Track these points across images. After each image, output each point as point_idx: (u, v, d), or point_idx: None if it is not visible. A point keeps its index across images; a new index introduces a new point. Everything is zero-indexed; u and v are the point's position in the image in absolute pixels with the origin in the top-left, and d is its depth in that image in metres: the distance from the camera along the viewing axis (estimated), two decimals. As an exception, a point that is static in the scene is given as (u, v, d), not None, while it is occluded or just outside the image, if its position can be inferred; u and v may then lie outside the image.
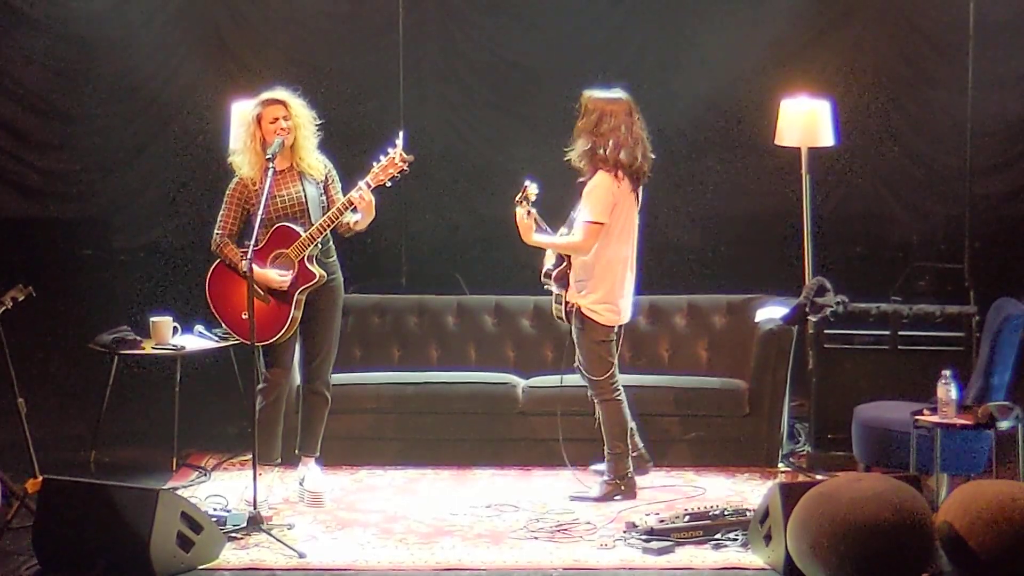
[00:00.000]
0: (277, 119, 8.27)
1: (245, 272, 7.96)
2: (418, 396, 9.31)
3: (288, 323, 8.33)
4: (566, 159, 8.44)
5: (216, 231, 8.37)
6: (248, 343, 8.19)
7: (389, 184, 8.34)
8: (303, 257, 8.31)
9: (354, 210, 8.34)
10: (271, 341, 8.34)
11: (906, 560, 6.95)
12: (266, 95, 8.35)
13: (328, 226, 8.32)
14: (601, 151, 8.35)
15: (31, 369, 8.81)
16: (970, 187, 11.38)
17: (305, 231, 8.29)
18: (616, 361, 8.56)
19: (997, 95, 11.47)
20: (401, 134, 8.40)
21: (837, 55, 11.71)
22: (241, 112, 8.58)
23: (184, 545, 7.32)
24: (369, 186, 8.29)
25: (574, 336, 8.56)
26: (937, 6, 11.64)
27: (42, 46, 11.82)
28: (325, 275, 8.38)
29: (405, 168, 8.33)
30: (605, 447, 8.57)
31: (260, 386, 8.38)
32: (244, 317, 8.07)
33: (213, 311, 8.48)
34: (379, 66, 11.65)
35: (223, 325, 8.57)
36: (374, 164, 8.35)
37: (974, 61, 11.19)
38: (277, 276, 8.28)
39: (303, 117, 8.34)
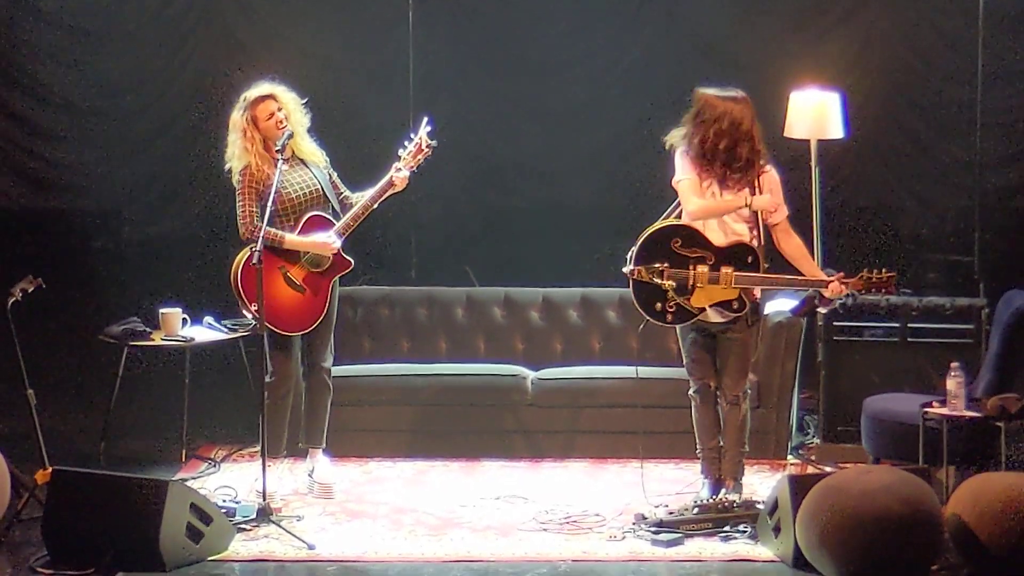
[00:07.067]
0: (272, 114, 8.21)
1: (255, 264, 7.82)
2: (427, 388, 9.32)
3: (325, 312, 8.31)
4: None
5: (242, 220, 8.17)
6: (284, 333, 8.24)
7: (416, 170, 8.35)
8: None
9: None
10: (308, 330, 8.33)
11: (915, 553, 6.96)
12: (251, 95, 8.24)
13: (367, 211, 8.29)
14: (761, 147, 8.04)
15: (41, 360, 8.82)
16: (980, 179, 11.37)
17: (336, 219, 8.30)
18: None
19: (1007, 87, 11.46)
20: (426, 120, 8.40)
21: (847, 47, 11.67)
22: (231, 121, 8.31)
23: (193, 536, 7.33)
24: (400, 170, 8.27)
25: (737, 335, 8.05)
26: (947, -2, 11.63)
27: (53, 39, 11.83)
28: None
29: (429, 154, 8.32)
30: (732, 451, 8.22)
31: (269, 380, 8.38)
32: (255, 310, 8.03)
33: (245, 301, 8.21)
34: (389, 59, 11.64)
35: (251, 315, 8.36)
36: (400, 151, 8.34)
37: (984, 53, 11.17)
38: (324, 237, 8.23)
39: (293, 103, 8.27)
